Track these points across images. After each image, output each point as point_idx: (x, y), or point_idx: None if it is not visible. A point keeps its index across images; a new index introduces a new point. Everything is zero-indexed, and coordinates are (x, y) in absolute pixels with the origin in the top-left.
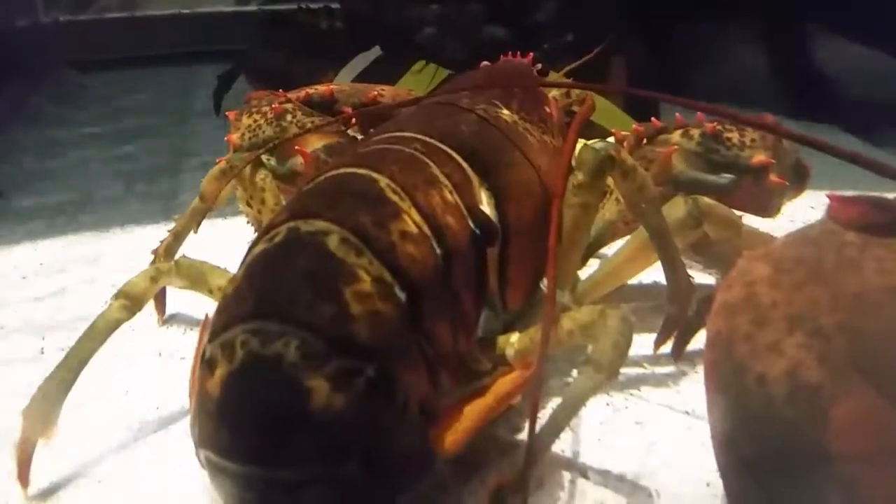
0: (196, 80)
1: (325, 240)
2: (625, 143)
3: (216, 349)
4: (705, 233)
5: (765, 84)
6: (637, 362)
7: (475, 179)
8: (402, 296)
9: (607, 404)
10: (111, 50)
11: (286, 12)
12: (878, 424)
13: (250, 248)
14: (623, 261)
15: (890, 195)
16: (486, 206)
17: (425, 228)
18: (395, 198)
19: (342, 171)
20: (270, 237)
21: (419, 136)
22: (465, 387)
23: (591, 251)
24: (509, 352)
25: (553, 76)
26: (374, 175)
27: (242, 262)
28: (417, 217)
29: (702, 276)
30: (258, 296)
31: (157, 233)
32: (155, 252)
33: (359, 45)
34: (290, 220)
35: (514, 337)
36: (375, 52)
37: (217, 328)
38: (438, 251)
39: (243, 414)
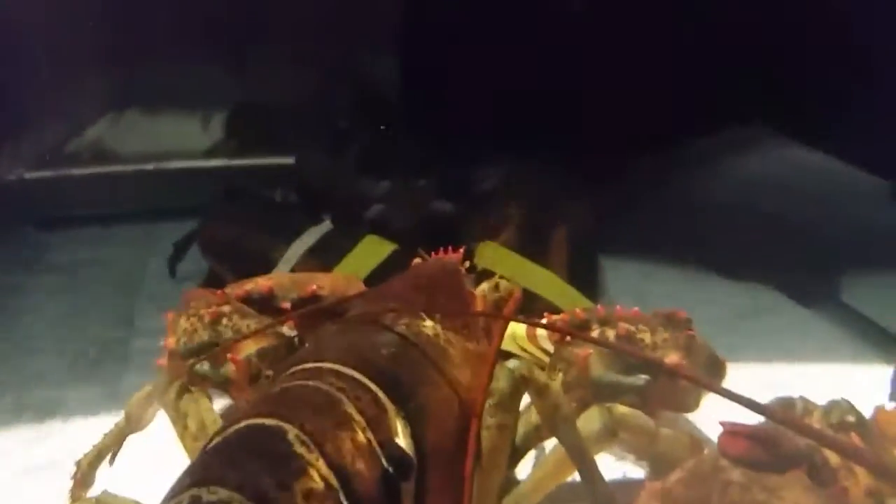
0: (157, 238)
1: None
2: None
3: None
4: None
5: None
6: None
7: (391, 409)
8: None
9: None
10: (76, 207)
11: (241, 186)
12: None
13: None
14: (549, 469)
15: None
16: (402, 438)
17: (333, 481)
18: (302, 450)
19: (251, 422)
20: None
21: (335, 367)
22: None
23: (518, 457)
24: None
25: (491, 247)
26: (283, 426)
27: None
28: (325, 469)
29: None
30: None
31: (98, 424)
32: (78, 464)
33: (311, 219)
34: (191, 487)
35: None
36: (326, 226)
37: None
38: None
39: None
